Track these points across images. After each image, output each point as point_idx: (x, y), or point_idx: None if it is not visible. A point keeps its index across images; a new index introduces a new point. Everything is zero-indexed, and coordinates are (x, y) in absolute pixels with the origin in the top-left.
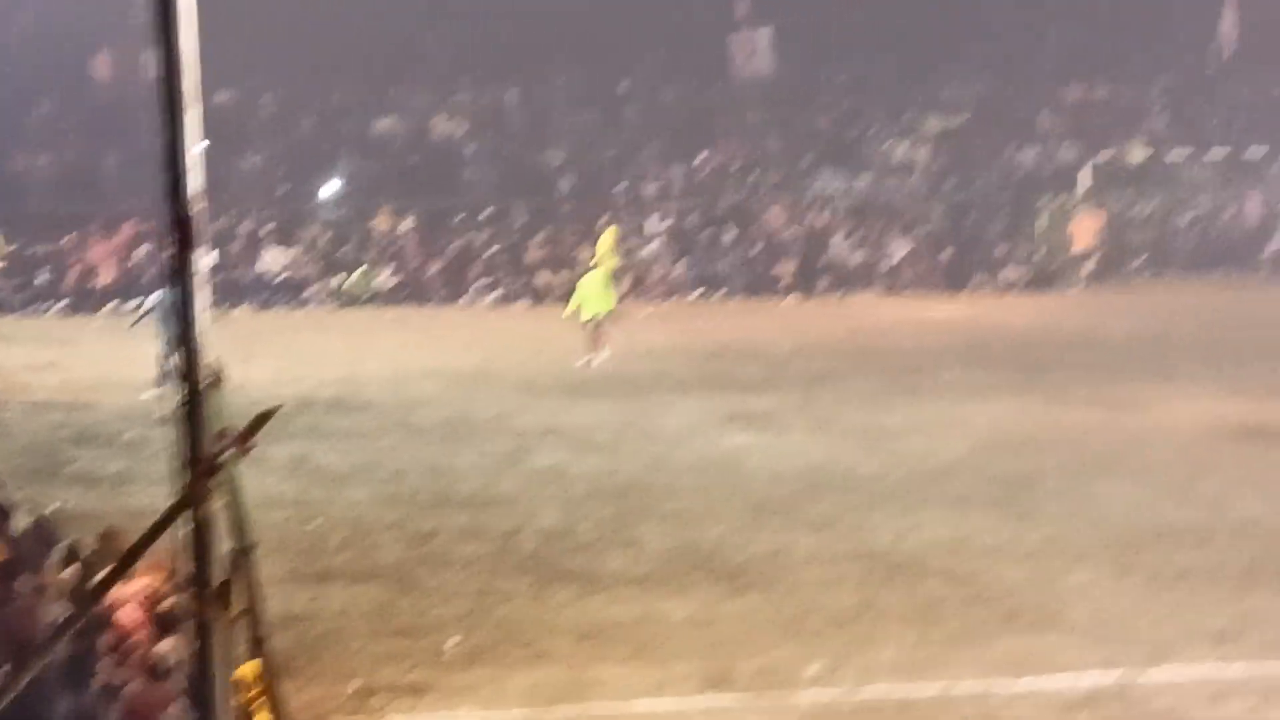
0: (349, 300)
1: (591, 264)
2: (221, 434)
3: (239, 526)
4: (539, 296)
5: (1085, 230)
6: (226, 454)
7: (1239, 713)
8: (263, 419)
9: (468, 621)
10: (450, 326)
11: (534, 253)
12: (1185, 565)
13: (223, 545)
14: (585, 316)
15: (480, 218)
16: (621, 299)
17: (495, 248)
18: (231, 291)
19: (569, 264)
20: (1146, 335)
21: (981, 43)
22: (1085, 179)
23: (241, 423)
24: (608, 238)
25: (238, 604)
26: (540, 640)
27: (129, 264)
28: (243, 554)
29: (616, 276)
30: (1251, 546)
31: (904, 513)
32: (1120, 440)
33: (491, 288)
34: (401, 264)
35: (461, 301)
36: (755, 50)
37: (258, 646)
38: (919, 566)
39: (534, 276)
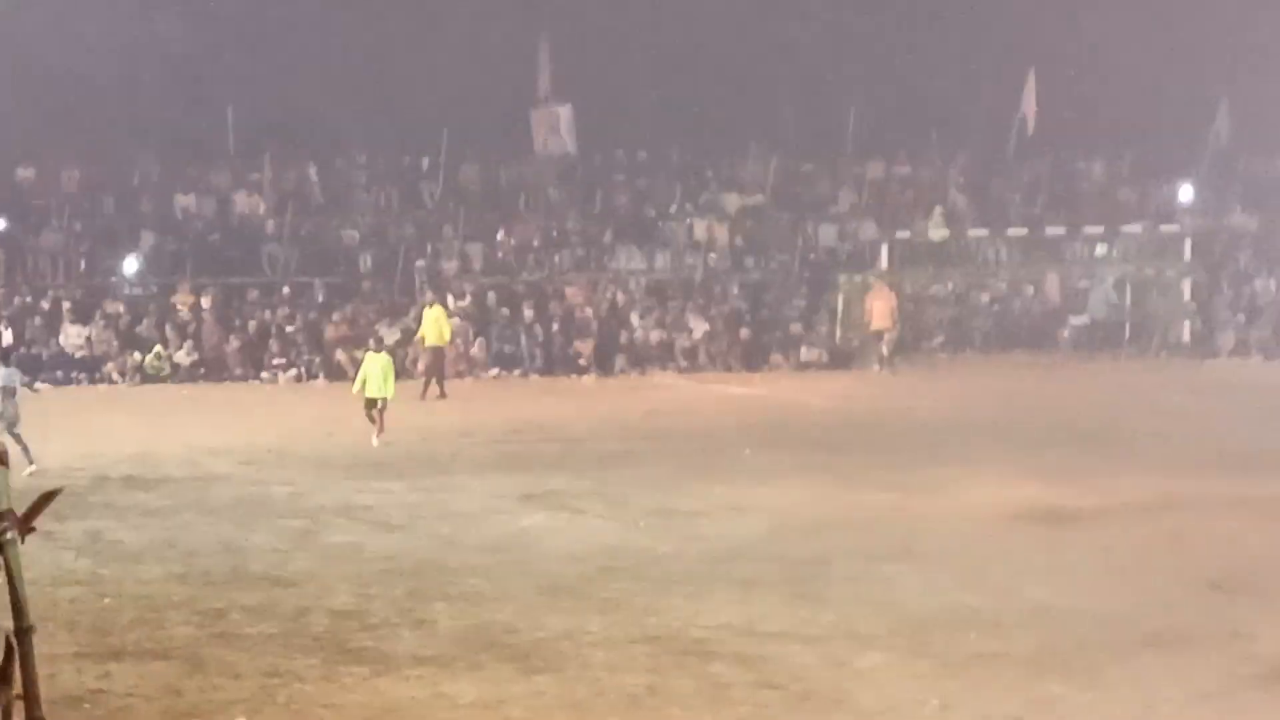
0: (148, 377)
1: (417, 338)
2: (1, 515)
3: (18, 607)
4: (337, 374)
5: (879, 309)
6: (6, 534)
7: None
8: (46, 499)
9: (255, 702)
10: (248, 404)
11: (333, 330)
12: (975, 650)
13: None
14: (369, 395)
15: (279, 295)
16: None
17: (294, 325)
18: (30, 368)
19: (365, 342)
20: (943, 416)
21: (780, 121)
22: (884, 258)
23: (30, 501)
24: (434, 314)
25: (16, 685)
26: None
27: None
28: (22, 634)
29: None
30: (1041, 631)
31: (695, 595)
32: (913, 523)
33: (290, 365)
34: (200, 341)
35: (260, 379)
36: (556, 127)
37: None
38: (709, 650)
39: (332, 354)
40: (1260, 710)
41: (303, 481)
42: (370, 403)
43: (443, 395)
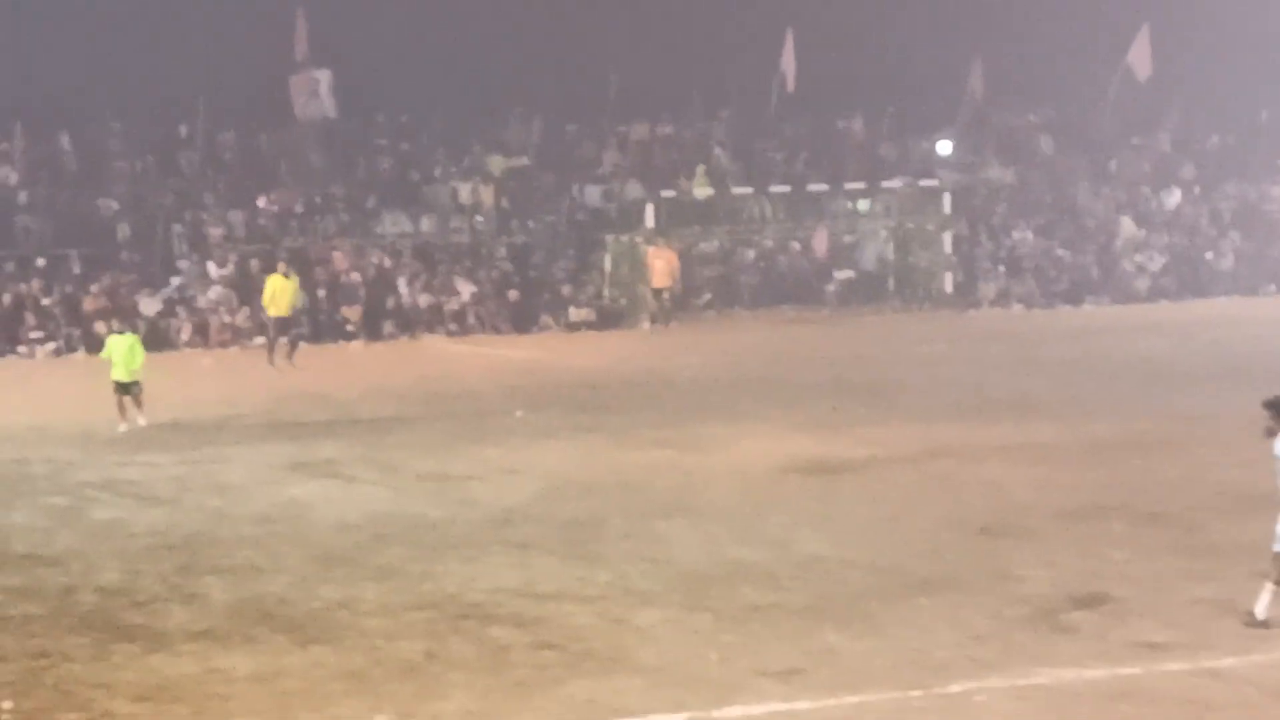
0: None
1: (264, 307)
2: None
3: None
4: (97, 346)
5: (659, 268)
6: None
7: None
8: None
9: (22, 684)
10: (4, 379)
11: (91, 302)
12: (752, 603)
13: None
14: (116, 379)
15: (34, 267)
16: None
17: (51, 298)
18: None
19: (127, 313)
20: (713, 373)
21: (542, 83)
22: (650, 217)
23: None
24: (280, 281)
25: None
26: (98, 702)
27: None
28: None
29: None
30: (816, 581)
31: (470, 560)
32: (687, 480)
33: (48, 338)
34: None
35: (16, 353)
36: (315, 92)
37: None
38: (486, 613)
39: (91, 326)
40: (1030, 649)
41: (64, 457)
42: (120, 387)
43: (290, 364)
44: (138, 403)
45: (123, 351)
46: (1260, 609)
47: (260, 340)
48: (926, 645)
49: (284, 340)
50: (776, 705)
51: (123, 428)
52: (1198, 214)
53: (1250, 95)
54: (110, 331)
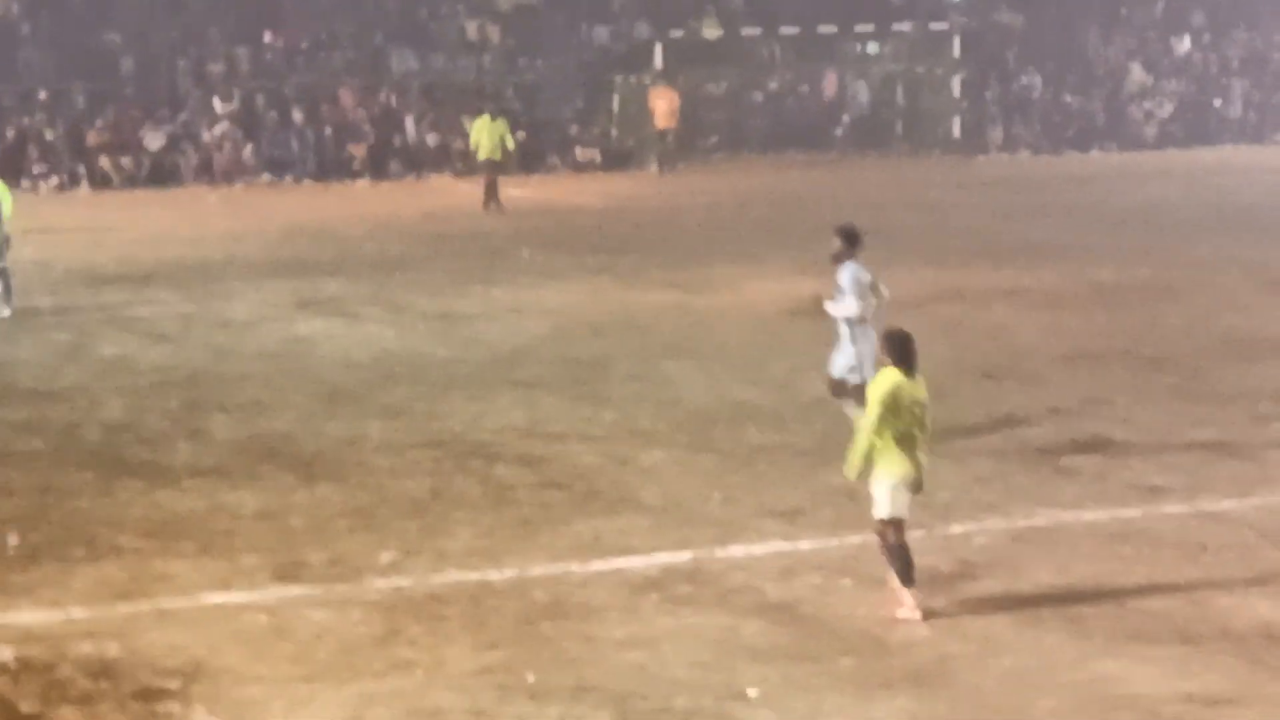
0: None
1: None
2: None
3: None
4: (101, 181)
5: (661, 109)
6: None
7: (808, 586)
8: None
9: (29, 519)
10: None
11: (95, 137)
12: (757, 444)
13: None
14: None
15: (37, 100)
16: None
17: (54, 132)
18: None
19: (131, 148)
20: (720, 216)
21: None
22: (658, 58)
23: None
24: (483, 124)
25: None
26: (105, 536)
27: None
28: None
29: None
30: (821, 425)
31: (477, 399)
32: (693, 322)
33: (51, 173)
34: None
35: (20, 187)
36: None
37: None
38: (492, 452)
39: (96, 161)
40: (1031, 491)
41: (69, 293)
42: None
43: (498, 208)
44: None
45: None
46: None
47: (266, 177)
48: (929, 486)
49: (490, 182)
50: (779, 544)
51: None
52: (1207, 61)
53: None
54: None
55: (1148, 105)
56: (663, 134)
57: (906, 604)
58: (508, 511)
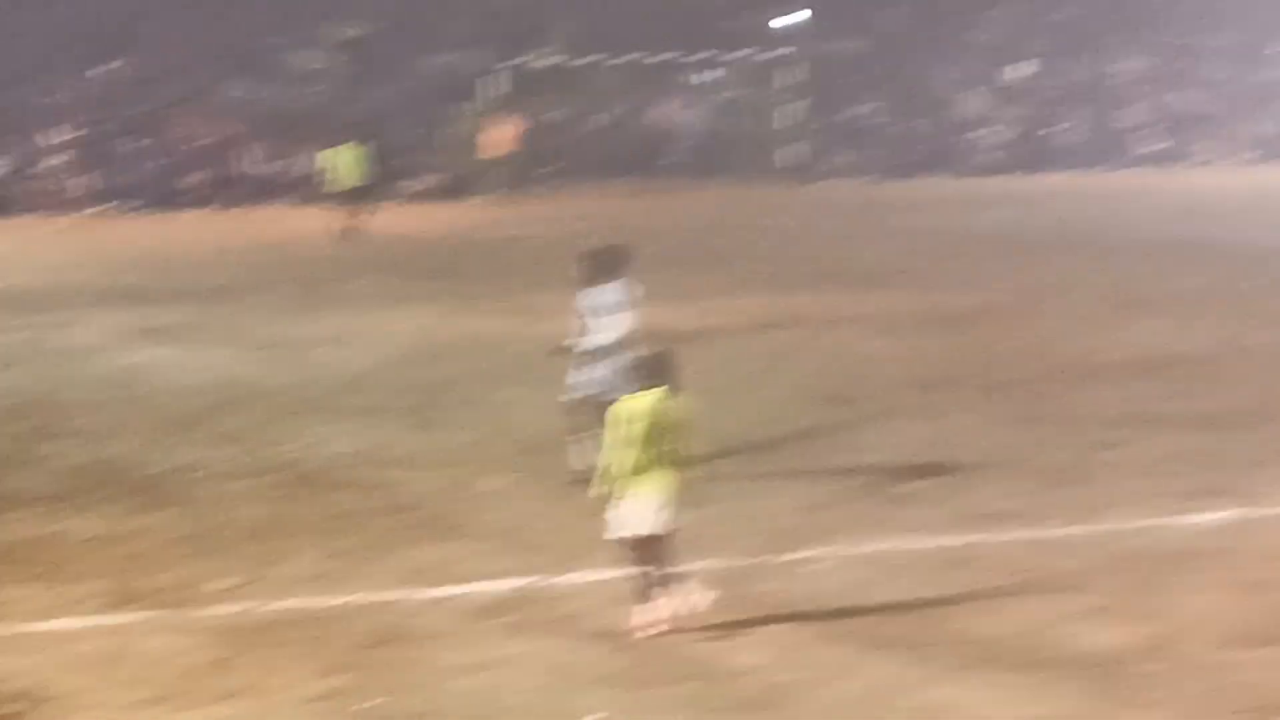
0: None
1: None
2: None
3: None
4: None
5: (499, 137)
6: None
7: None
8: None
9: None
10: None
11: None
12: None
13: None
14: None
15: None
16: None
17: None
18: None
19: None
20: (557, 243)
21: None
22: (496, 85)
23: None
24: (346, 154)
25: None
26: None
27: None
28: None
29: None
30: None
31: (315, 425)
32: (531, 347)
33: None
34: None
35: None
36: None
37: None
38: (331, 478)
39: None
40: (872, 516)
41: None
42: None
43: (351, 237)
44: None
45: None
46: None
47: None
48: (770, 513)
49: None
50: (615, 572)
51: None
52: (1046, 87)
53: None
54: None
55: (985, 131)
56: (501, 162)
57: (651, 618)
58: (346, 537)
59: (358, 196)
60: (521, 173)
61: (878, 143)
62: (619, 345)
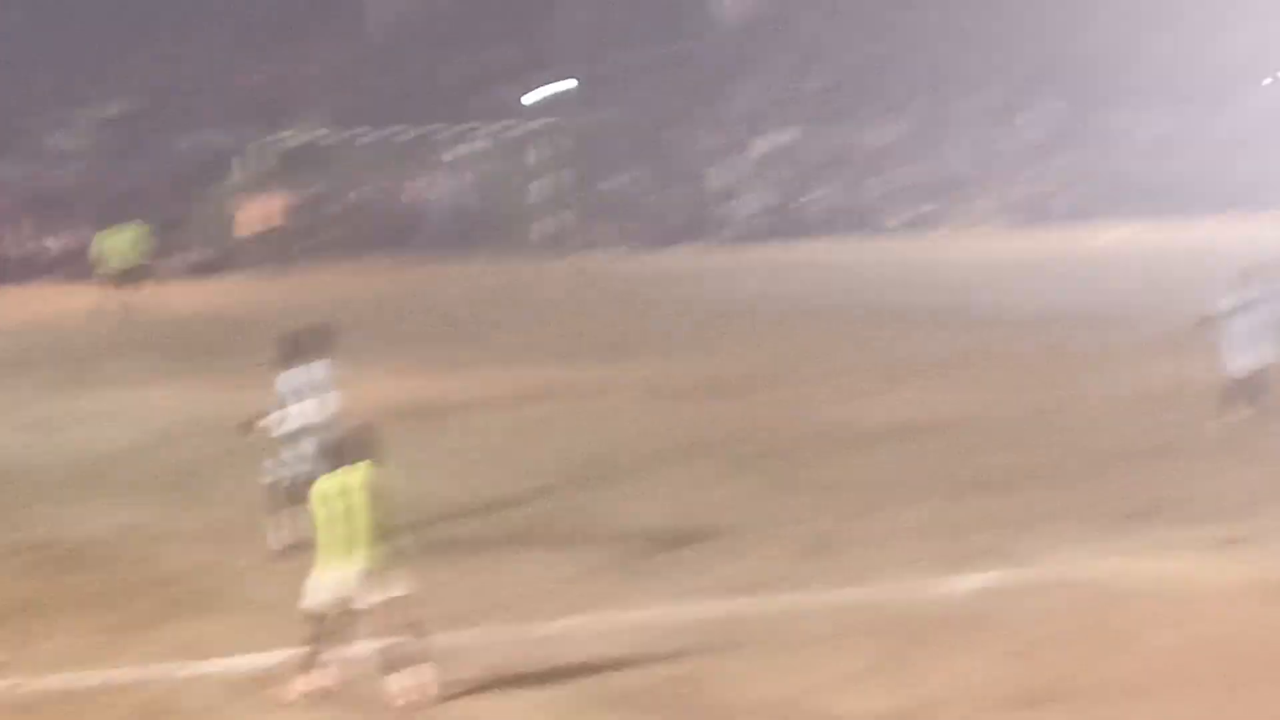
0: None
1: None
2: None
3: None
4: None
5: (257, 213)
6: None
7: (410, 684)
8: None
9: None
10: None
11: None
12: None
13: None
14: None
15: None
16: None
17: None
18: None
19: None
20: (310, 319)
21: (151, 32)
22: (255, 161)
23: None
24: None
25: None
26: None
27: None
28: None
29: None
30: (422, 520)
31: (71, 503)
32: None
33: None
34: None
35: None
36: None
37: None
38: (93, 555)
39: None
40: (620, 588)
41: None
42: None
43: (124, 316)
44: None
45: None
46: None
47: None
48: (529, 582)
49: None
50: (372, 643)
51: None
52: (802, 156)
53: (852, 37)
54: None
55: (742, 200)
56: (262, 238)
57: (302, 686)
58: (109, 614)
59: (133, 276)
60: (283, 249)
61: (636, 213)
62: (321, 426)
